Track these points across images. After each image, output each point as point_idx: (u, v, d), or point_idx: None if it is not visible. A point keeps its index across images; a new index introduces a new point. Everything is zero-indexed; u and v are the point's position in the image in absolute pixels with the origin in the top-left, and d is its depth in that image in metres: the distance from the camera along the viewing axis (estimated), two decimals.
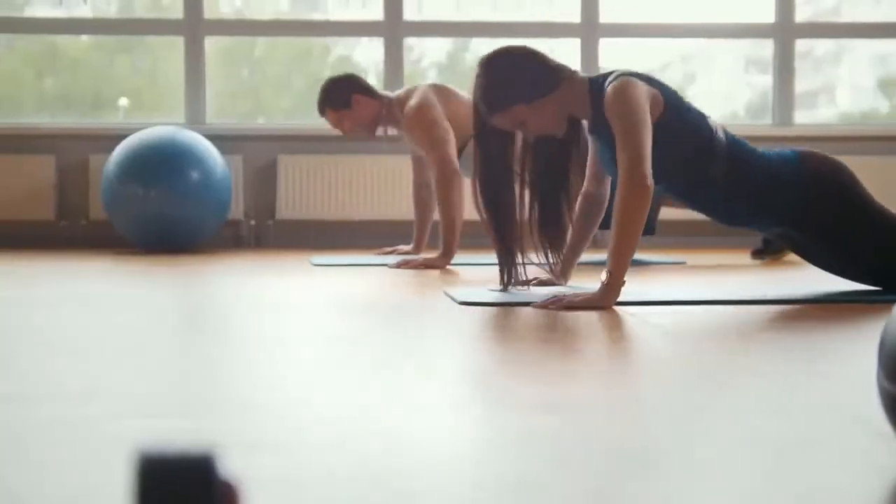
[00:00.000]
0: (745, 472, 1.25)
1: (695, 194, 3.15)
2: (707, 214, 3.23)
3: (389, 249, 5.32)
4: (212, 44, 6.52)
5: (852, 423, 1.50)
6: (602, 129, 3.05)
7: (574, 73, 3.12)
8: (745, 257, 5.05)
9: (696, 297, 3.05)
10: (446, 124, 4.64)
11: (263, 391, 1.76)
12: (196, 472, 0.75)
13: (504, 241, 3.19)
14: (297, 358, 2.15)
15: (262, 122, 6.80)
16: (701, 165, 3.07)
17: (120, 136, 5.72)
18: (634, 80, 3.00)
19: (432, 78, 7.13)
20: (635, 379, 1.93)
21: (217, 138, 5.90)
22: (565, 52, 6.53)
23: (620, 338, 2.47)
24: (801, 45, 6.70)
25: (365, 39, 6.51)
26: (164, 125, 5.81)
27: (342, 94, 4.83)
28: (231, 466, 1.14)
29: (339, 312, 2.98)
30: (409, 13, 6.51)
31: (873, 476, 1.23)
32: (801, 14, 6.65)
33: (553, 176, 3.19)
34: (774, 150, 3.18)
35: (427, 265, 4.47)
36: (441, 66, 7.36)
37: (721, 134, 3.10)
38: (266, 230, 6.28)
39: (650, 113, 2.96)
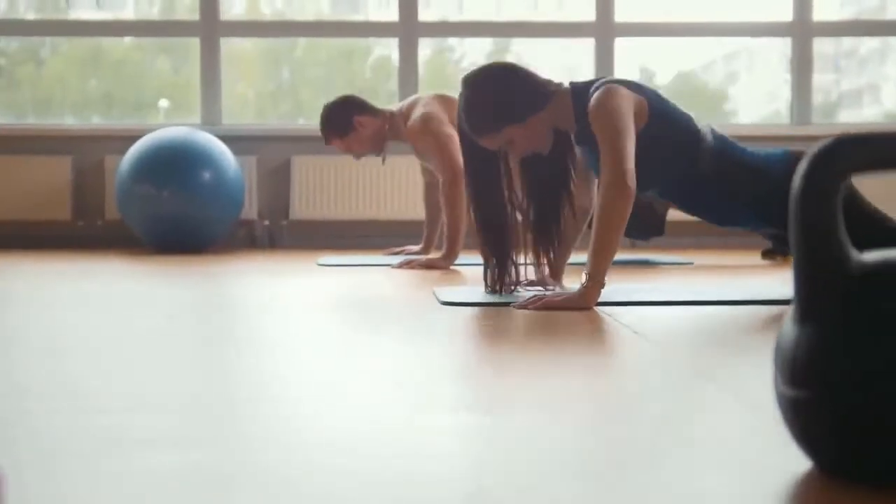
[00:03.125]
0: (672, 472, 1.25)
1: (684, 195, 3.14)
2: (697, 215, 3.22)
3: (398, 249, 5.33)
4: (254, 45, 6.54)
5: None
6: (587, 138, 3.04)
7: (559, 85, 3.10)
8: (755, 258, 5.02)
9: (680, 298, 3.04)
10: (451, 130, 4.63)
11: (248, 390, 1.78)
12: None
13: (496, 252, 3.18)
14: (270, 358, 2.17)
15: (276, 123, 6.83)
16: (689, 166, 3.06)
17: (135, 137, 5.77)
18: (618, 87, 2.98)
19: None
20: (591, 381, 1.92)
21: (232, 139, 5.94)
22: (581, 51, 6.52)
23: (588, 338, 2.46)
24: (845, 43, 6.59)
25: None
26: (178, 126, 5.85)
27: (342, 119, 4.82)
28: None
29: (321, 314, 2.99)
30: (450, 12, 6.51)
31: (767, 478, 1.22)
32: (845, 12, 6.53)
33: (553, 186, 3.19)
34: (764, 149, 3.16)
35: (429, 265, 4.47)
36: None
37: (708, 134, 3.09)
38: (280, 230, 6.31)
39: (635, 119, 2.95)
